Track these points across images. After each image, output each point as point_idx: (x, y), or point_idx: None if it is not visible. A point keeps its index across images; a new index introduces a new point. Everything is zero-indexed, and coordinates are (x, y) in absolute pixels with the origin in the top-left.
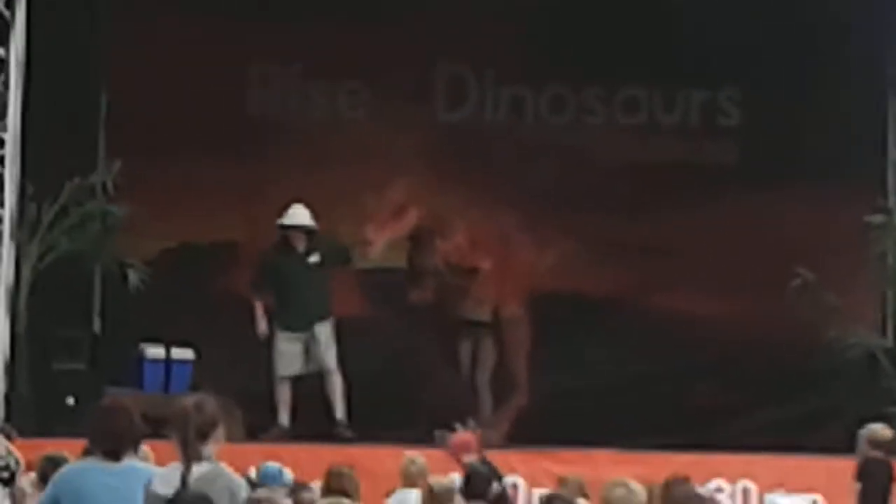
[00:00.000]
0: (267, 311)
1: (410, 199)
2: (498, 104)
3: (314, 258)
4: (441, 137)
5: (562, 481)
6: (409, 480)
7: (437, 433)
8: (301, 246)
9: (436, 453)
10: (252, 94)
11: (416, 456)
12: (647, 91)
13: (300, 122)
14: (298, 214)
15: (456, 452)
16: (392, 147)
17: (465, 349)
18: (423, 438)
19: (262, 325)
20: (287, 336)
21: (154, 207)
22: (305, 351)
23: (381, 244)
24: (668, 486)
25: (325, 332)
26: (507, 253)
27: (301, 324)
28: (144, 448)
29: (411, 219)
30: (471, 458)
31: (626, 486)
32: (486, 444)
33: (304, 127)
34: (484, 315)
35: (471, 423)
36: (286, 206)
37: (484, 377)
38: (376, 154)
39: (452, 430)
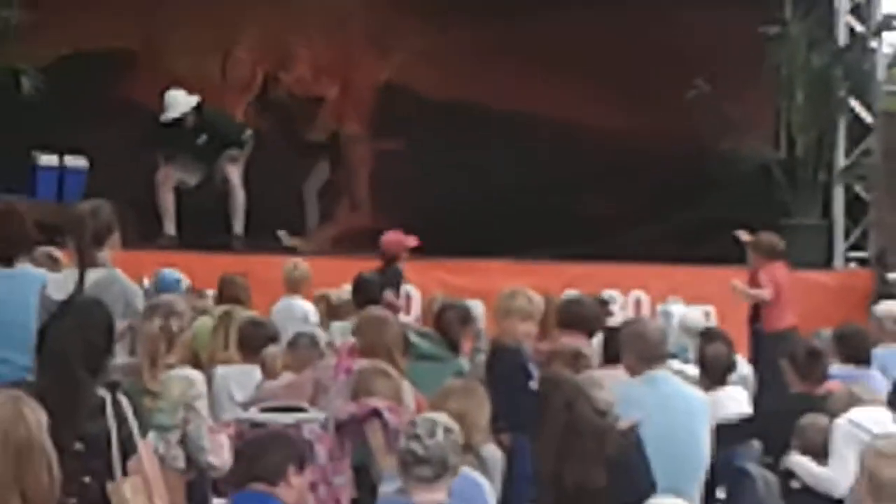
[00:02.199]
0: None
1: (245, 41)
2: None
3: (201, 140)
4: None
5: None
6: (292, 286)
7: (280, 233)
8: (189, 124)
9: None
10: None
11: (299, 261)
12: None
13: None
14: (174, 105)
15: (389, 249)
16: None
17: (305, 168)
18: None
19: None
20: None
21: (49, 13)
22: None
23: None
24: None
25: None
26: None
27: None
28: (57, 253)
29: (259, 78)
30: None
31: (525, 295)
32: (311, 252)
33: None
34: (322, 137)
35: (282, 234)
36: (161, 94)
37: (311, 188)
38: None
39: (276, 238)
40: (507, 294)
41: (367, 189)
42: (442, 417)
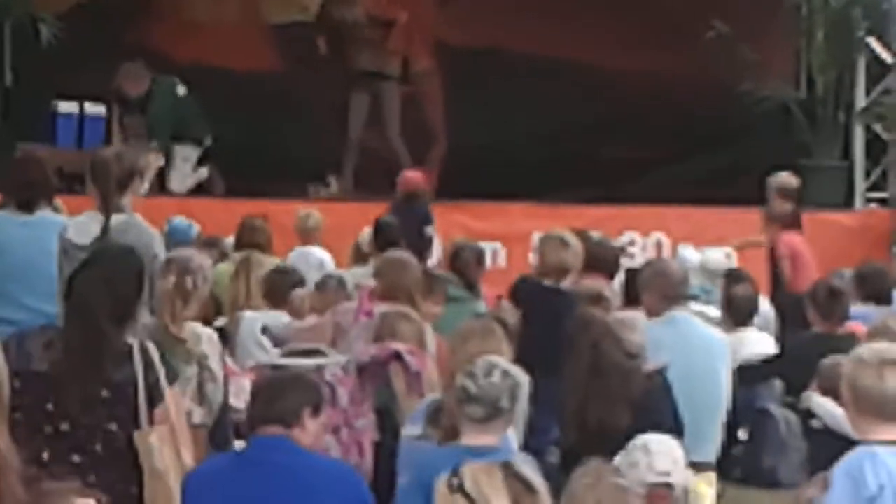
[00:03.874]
0: None
1: None
2: None
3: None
4: None
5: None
6: (306, 235)
7: (311, 187)
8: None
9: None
10: None
11: (313, 210)
12: None
13: None
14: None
15: (406, 188)
16: None
17: (360, 102)
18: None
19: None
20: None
21: None
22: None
23: None
24: (580, 238)
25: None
26: (418, 4)
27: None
28: (58, 201)
29: None
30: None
31: (569, 243)
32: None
33: None
34: (389, 67)
35: (332, 179)
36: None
37: (395, 135)
38: None
39: (326, 184)
40: (553, 240)
41: (443, 124)
42: (503, 361)
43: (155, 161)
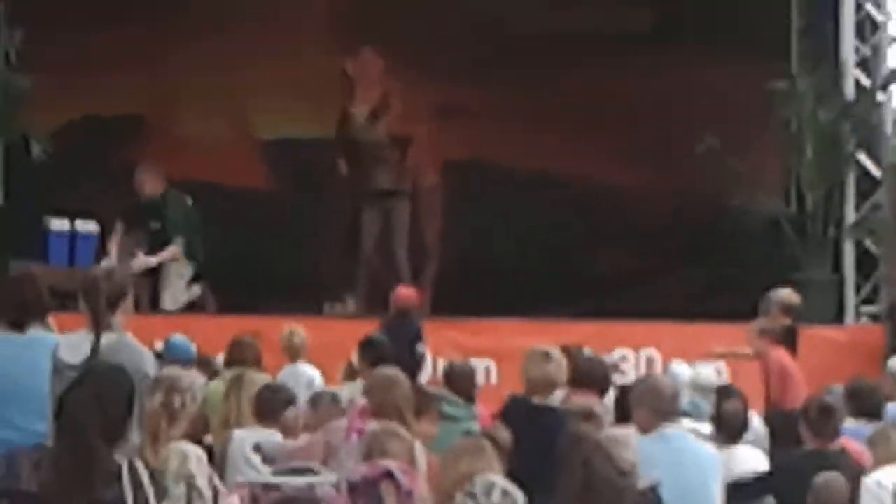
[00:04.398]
0: None
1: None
2: None
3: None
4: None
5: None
6: (293, 353)
7: (327, 305)
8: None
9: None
10: None
11: (297, 328)
12: None
13: None
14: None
15: (399, 305)
16: (299, 8)
17: (372, 219)
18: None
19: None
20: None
21: (58, 78)
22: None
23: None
24: (570, 355)
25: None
26: (426, 119)
27: None
28: (49, 319)
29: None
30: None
31: (551, 357)
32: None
33: None
34: (403, 184)
35: (350, 298)
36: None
37: (402, 250)
38: (284, 16)
39: (342, 301)
40: (538, 357)
41: (438, 240)
42: (501, 479)
43: (173, 255)
